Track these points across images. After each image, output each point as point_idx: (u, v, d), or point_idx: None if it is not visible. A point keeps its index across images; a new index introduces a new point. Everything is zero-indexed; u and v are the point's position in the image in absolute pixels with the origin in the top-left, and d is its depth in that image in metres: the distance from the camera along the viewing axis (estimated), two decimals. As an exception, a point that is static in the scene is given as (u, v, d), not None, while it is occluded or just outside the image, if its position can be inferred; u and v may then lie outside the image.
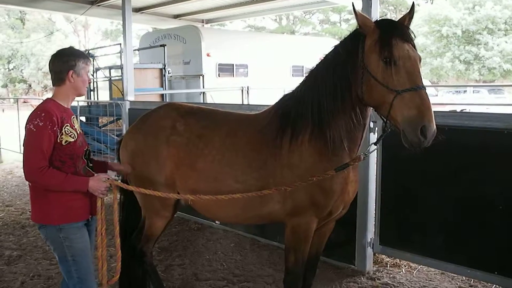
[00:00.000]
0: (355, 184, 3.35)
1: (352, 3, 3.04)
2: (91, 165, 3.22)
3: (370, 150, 3.18)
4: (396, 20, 2.90)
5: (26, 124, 2.93)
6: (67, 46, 3.42)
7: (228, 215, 3.59)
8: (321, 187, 3.10)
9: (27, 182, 3.05)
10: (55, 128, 2.90)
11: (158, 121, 3.72)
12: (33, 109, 3.08)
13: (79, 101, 10.05)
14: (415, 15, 2.93)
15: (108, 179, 3.06)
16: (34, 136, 2.88)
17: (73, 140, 3.01)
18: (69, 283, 3.13)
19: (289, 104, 3.26)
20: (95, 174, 3.10)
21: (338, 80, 2.96)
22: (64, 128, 2.96)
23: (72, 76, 3.01)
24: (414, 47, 2.79)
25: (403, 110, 2.67)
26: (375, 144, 3.18)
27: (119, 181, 3.76)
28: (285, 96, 3.38)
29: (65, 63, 3.01)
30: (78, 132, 3.09)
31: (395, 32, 2.77)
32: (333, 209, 3.23)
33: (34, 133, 2.87)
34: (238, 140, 3.41)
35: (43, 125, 2.87)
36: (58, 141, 2.93)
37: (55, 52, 3.14)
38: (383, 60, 2.74)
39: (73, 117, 3.11)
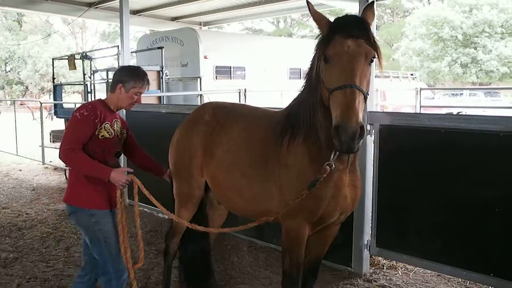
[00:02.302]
0: (355, 189, 3.18)
1: (307, 0, 2.91)
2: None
3: (333, 159, 2.87)
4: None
5: (73, 113, 3.34)
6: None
7: (236, 206, 3.72)
8: (309, 192, 3.00)
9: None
10: (96, 121, 3.29)
11: (194, 115, 4.04)
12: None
13: (77, 103, 10.06)
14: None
15: (129, 173, 3.34)
16: (76, 122, 3.28)
17: (109, 137, 3.38)
18: (101, 261, 3.47)
19: (292, 104, 3.27)
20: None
21: (313, 81, 2.91)
22: (104, 124, 3.35)
23: (120, 89, 3.42)
24: (370, 41, 2.66)
25: (332, 109, 2.59)
26: (334, 154, 2.87)
27: None
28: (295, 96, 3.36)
29: (120, 76, 3.46)
30: (117, 134, 3.48)
31: (338, 28, 2.68)
32: (325, 214, 3.12)
33: (77, 119, 3.28)
34: (251, 134, 3.52)
35: (87, 114, 3.27)
36: (96, 133, 3.30)
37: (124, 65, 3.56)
38: (321, 57, 2.70)
39: (116, 120, 3.49)
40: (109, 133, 3.37)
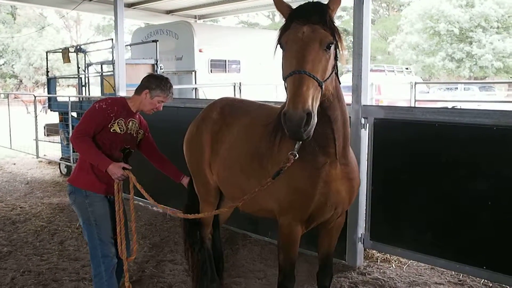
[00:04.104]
0: (350, 181, 3.09)
1: None
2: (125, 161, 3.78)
3: (297, 148, 2.84)
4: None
5: (94, 103, 3.64)
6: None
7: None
8: (296, 189, 2.99)
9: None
10: (112, 115, 3.58)
11: (204, 112, 4.08)
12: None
13: (71, 97, 10.00)
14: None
15: (126, 169, 3.56)
16: (93, 112, 3.58)
17: (120, 132, 3.64)
18: (90, 246, 3.70)
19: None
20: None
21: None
22: (118, 120, 3.61)
23: (146, 94, 3.70)
24: (327, 26, 2.57)
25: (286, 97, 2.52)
26: (298, 143, 2.83)
27: None
28: None
29: (148, 82, 3.72)
30: (129, 132, 3.72)
31: (294, 15, 2.63)
32: (316, 211, 3.07)
33: (95, 110, 3.58)
34: (250, 130, 3.54)
35: (105, 107, 3.58)
36: (109, 126, 3.57)
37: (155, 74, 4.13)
38: (279, 45, 2.67)
39: (132, 120, 3.73)
40: (121, 129, 3.64)
